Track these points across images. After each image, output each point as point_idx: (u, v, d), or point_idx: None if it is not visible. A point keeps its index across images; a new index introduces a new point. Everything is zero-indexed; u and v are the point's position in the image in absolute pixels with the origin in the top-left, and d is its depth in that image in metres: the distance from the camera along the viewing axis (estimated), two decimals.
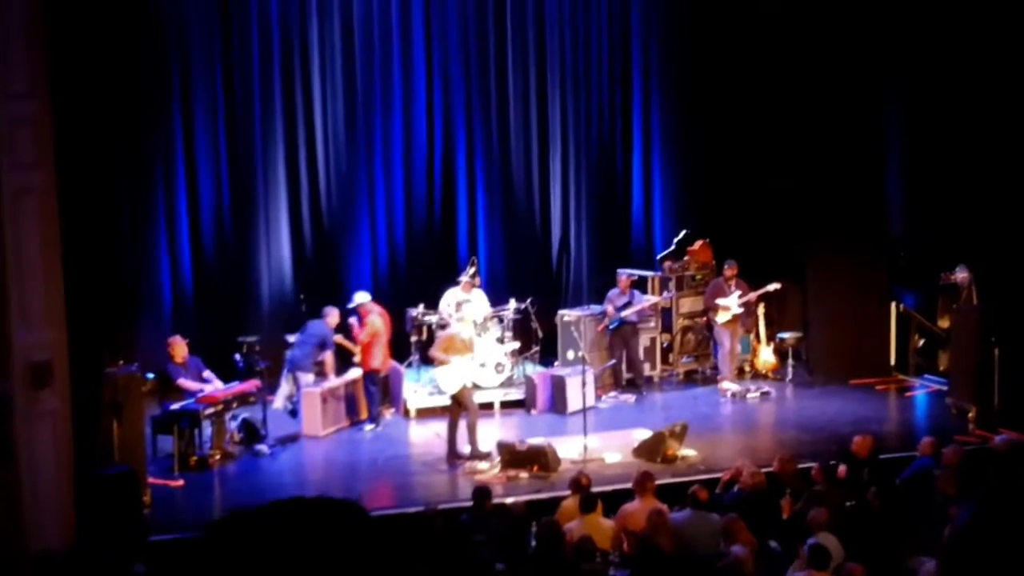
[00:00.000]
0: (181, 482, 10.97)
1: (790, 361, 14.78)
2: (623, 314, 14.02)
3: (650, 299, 14.58)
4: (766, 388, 14.19)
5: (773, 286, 14.26)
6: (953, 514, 7.78)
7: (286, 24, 14.81)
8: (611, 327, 14.07)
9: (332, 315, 12.97)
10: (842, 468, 9.66)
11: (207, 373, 12.22)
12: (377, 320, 12.92)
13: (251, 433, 12.11)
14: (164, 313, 14.48)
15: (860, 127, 15.64)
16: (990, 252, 14.10)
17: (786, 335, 15.00)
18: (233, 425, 12.09)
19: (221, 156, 14.71)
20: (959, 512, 7.50)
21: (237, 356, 13.00)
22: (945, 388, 13.60)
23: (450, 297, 13.95)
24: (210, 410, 11.48)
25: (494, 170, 15.86)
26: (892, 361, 14.98)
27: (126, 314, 13.98)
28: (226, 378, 12.33)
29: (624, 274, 14.46)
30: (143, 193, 14.33)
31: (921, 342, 14.95)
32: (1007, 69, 14.06)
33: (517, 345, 14.01)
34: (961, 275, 13.84)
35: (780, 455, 10.06)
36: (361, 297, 13.14)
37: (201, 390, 11.71)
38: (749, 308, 14.40)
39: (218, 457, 11.56)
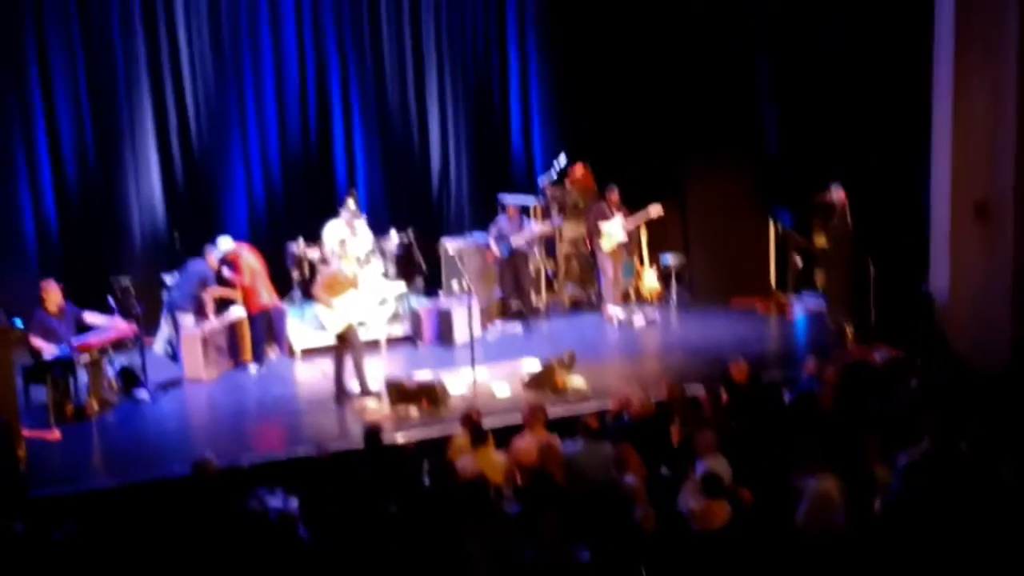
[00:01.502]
0: (58, 434, 10.58)
1: (673, 284, 14.91)
2: (513, 242, 13.92)
3: (540, 227, 14.49)
4: (651, 312, 14.30)
5: (655, 210, 14.26)
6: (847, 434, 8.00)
7: None
8: (503, 255, 13.97)
9: (213, 253, 12.60)
10: (723, 395, 9.79)
11: (88, 316, 11.68)
12: (251, 258, 12.60)
13: (130, 379, 11.72)
14: (29, 256, 13.81)
15: (731, 45, 15.72)
16: (862, 170, 14.35)
17: (669, 258, 15.10)
18: (111, 372, 11.70)
19: (80, 85, 13.95)
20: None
21: (111, 299, 12.56)
22: (823, 306, 13.89)
23: (332, 231, 13.64)
24: (85, 357, 11.08)
25: (369, 96, 15.46)
26: (772, 281, 15.23)
27: None
28: None
29: (513, 202, 14.32)
30: None
31: (799, 261, 15.21)
32: None
33: (404, 288, 13.84)
34: (836, 193, 14.06)
35: (667, 382, 10.17)
36: (225, 243, 12.73)
37: (49, 349, 11.08)
38: (631, 233, 14.44)
39: (96, 406, 11.16)
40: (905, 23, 13.55)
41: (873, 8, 14.17)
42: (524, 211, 14.54)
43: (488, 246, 14.11)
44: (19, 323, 11.37)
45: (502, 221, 14.17)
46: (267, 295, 12.71)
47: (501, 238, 13.99)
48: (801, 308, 14.48)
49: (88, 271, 13.59)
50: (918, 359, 10.42)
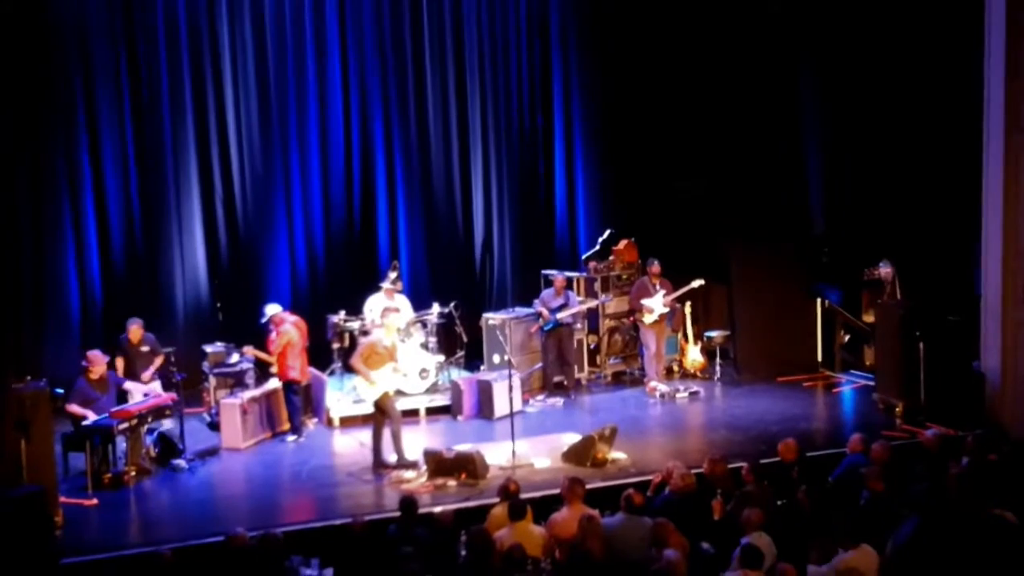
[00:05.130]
0: (95, 501, 10.52)
1: (718, 360, 14.74)
2: (559, 316, 13.84)
3: (586, 302, 14.41)
4: (695, 388, 14.11)
5: (697, 283, 14.19)
6: (891, 513, 7.75)
7: (194, 22, 14.35)
8: (545, 328, 13.88)
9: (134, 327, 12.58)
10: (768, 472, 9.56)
11: (128, 384, 11.76)
12: (291, 329, 12.53)
13: (168, 447, 11.70)
14: (73, 326, 13.98)
15: (779, 125, 15.74)
16: (912, 246, 14.19)
17: (713, 334, 14.97)
18: (149, 440, 11.67)
19: (129, 161, 14.22)
20: (901, 527, 7.47)
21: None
22: (872, 383, 13.64)
23: (374, 303, 13.64)
24: (124, 425, 11.05)
25: (414, 172, 15.58)
26: (819, 357, 15.01)
27: (32, 328, 13.52)
28: None
29: (560, 276, 14.25)
30: (46, 202, 13.81)
31: (847, 338, 15.01)
32: (921, 64, 14.19)
33: (443, 358, 13.78)
34: (884, 270, 13.88)
35: (710, 456, 9.94)
36: (272, 308, 12.71)
37: (85, 417, 11.14)
38: (675, 307, 14.32)
39: (133, 473, 11.11)
40: (955, 99, 13.49)
41: (923, 83, 14.14)
42: (568, 284, 14.46)
43: (532, 318, 14.03)
44: (59, 392, 11.43)
45: (547, 294, 14.10)
46: (298, 369, 12.54)
47: (546, 311, 13.91)
48: (848, 385, 14.24)
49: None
50: (969, 438, 10.11)
